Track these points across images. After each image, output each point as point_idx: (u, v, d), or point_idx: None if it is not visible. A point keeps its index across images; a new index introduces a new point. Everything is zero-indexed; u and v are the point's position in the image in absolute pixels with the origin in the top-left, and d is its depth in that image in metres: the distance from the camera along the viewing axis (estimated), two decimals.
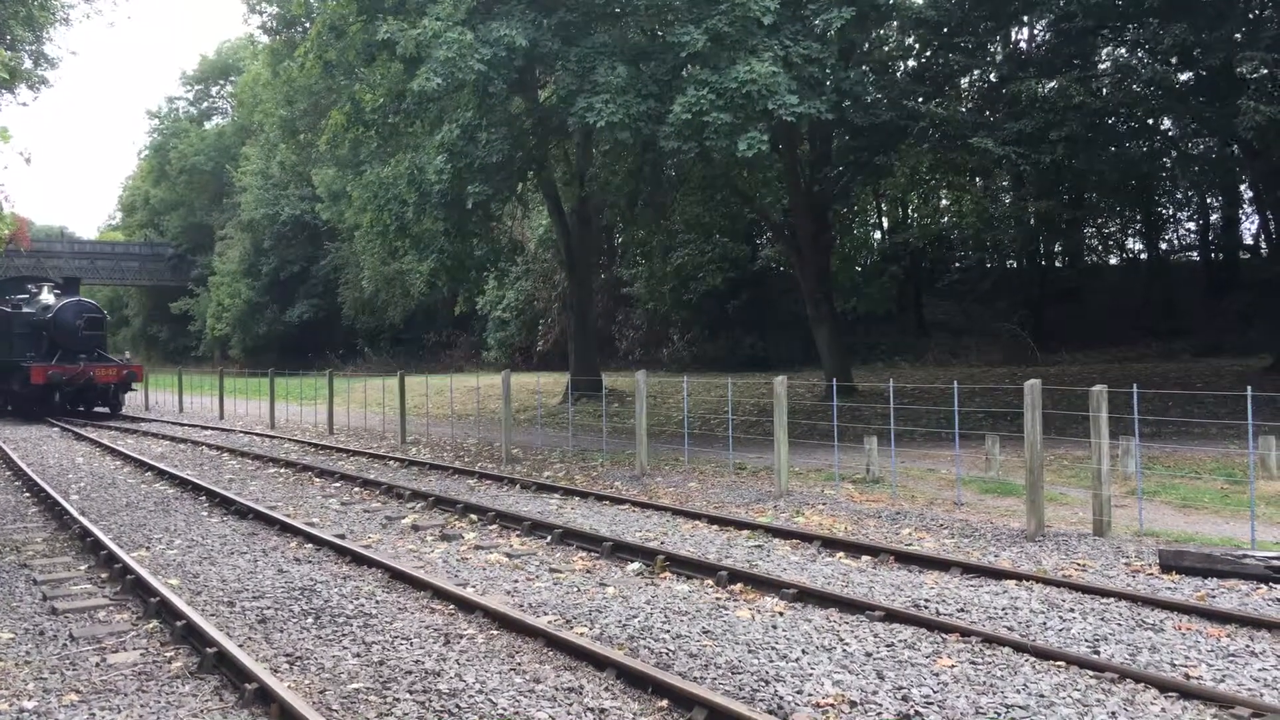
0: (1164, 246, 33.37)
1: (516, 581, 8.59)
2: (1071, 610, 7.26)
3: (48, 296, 30.81)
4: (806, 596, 7.73)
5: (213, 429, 25.00)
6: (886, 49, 22.79)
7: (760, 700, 5.62)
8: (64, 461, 18.43)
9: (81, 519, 11.37)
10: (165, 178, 68.31)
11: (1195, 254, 32.62)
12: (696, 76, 15.94)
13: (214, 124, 69.97)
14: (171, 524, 11.73)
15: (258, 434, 23.44)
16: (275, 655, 6.63)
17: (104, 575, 9.11)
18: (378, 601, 7.95)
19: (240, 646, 6.58)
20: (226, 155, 62.17)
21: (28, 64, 27.18)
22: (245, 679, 5.93)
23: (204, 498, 13.68)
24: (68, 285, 31.70)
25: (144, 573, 8.49)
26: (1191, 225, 32.48)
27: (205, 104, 72.35)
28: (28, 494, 14.56)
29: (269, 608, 7.83)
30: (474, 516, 11.81)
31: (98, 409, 30.14)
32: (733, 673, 6.08)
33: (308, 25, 24.63)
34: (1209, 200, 30.18)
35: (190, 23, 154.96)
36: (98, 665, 6.52)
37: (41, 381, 27.63)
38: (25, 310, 30.47)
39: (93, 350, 29.73)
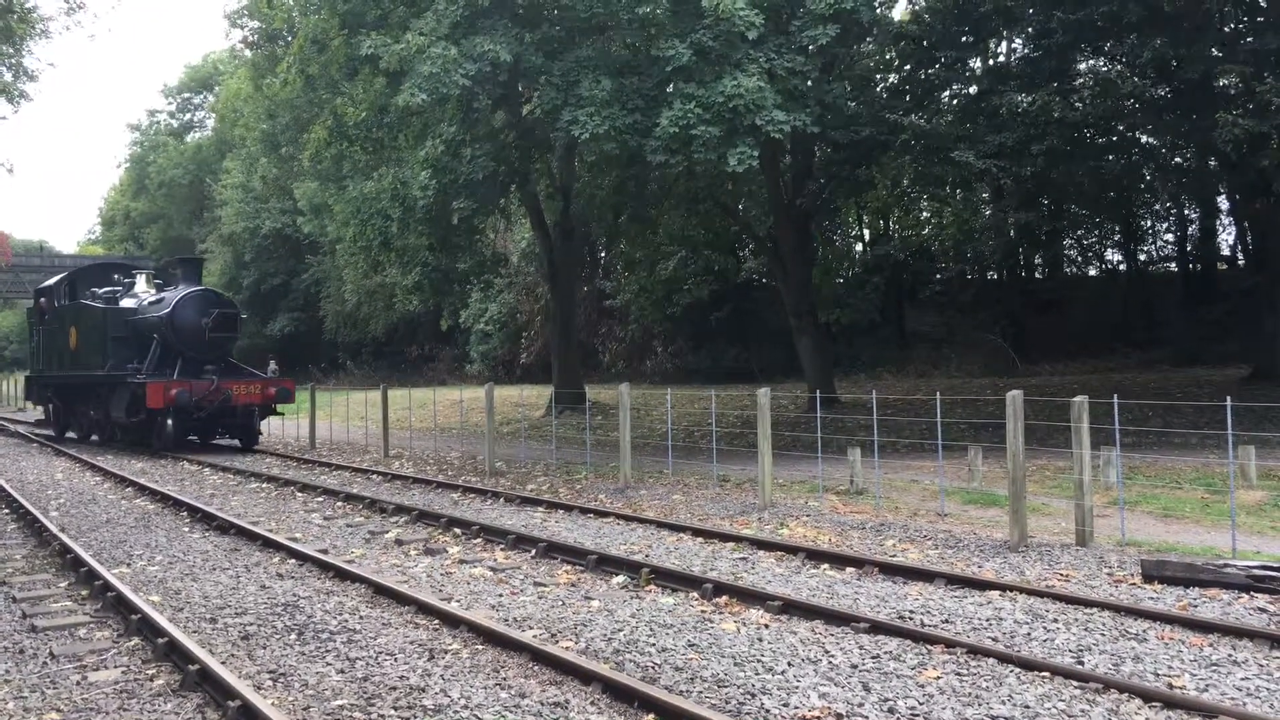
0: (1143, 257, 33.65)
1: (501, 596, 8.56)
2: (1055, 620, 7.29)
3: (146, 288, 23.93)
4: (792, 609, 7.73)
5: (193, 443, 24.79)
6: (869, 64, 22.94)
7: (746, 713, 5.61)
8: (43, 478, 18.26)
9: (61, 535, 11.26)
10: (145, 191, 68.07)
11: (1174, 265, 32.90)
12: (683, 90, 16.02)
13: (194, 138, 69.78)
14: (153, 540, 11.63)
15: (239, 449, 23.28)
16: (258, 672, 6.58)
17: (84, 592, 9.02)
18: (361, 617, 7.90)
19: (223, 664, 6.52)
20: (206, 169, 61.98)
21: (7, 77, 26.95)
22: (228, 696, 5.88)
23: (185, 513, 13.57)
24: (186, 269, 23.25)
25: (125, 589, 8.41)
26: (1170, 236, 32.80)
27: (186, 116, 72.17)
28: (6, 510, 14.41)
29: (251, 624, 7.77)
30: (458, 530, 11.77)
31: (220, 440, 23.35)
32: (719, 686, 6.07)
33: (289, 39, 24.60)
34: (1187, 212, 30.47)
35: (170, 37, 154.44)
36: (78, 684, 6.45)
37: (161, 405, 20.37)
38: (124, 306, 23.21)
39: (222, 359, 22.43)
